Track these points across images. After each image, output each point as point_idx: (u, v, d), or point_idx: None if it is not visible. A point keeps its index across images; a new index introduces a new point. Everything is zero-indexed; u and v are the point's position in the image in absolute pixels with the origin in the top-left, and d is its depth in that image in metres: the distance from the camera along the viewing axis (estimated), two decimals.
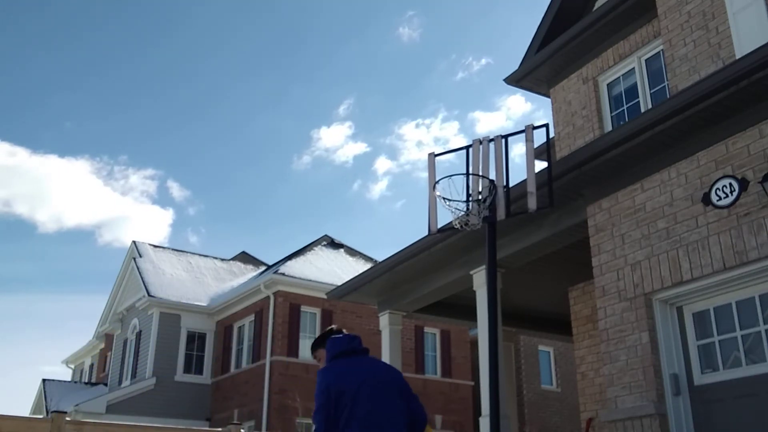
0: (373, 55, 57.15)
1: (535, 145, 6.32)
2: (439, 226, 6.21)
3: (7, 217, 49.40)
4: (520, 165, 58.82)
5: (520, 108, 64.07)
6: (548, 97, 10.68)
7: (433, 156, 6.09)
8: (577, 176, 6.61)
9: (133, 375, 21.40)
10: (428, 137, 57.70)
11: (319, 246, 23.00)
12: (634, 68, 9.36)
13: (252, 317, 20.36)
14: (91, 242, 55.63)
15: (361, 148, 56.62)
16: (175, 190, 51.57)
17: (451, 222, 6.04)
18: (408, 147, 57.87)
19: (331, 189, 61.01)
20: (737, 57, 6.70)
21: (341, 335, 3.88)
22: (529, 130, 5.96)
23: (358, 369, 3.65)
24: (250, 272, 25.38)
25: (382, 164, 58.56)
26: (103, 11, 45.54)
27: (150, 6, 47.61)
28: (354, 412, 3.45)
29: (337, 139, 51.67)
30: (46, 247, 54.37)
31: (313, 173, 55.03)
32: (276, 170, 58.99)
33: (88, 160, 49.57)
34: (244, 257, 28.69)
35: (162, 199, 52.73)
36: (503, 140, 5.96)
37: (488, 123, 59.43)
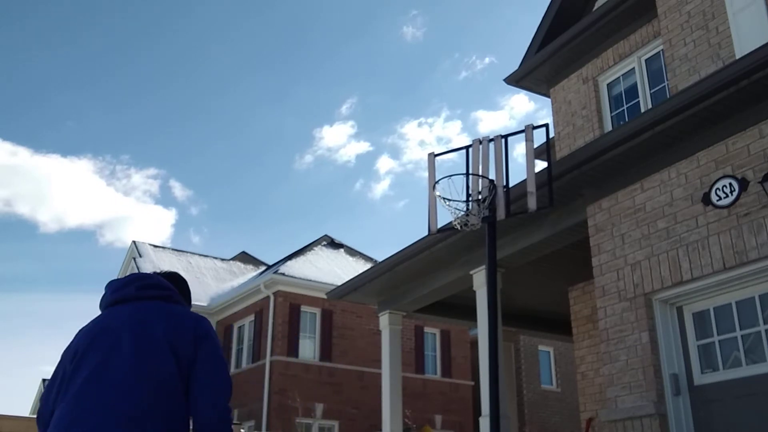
0: (376, 54, 57.16)
1: (535, 145, 6.32)
2: (439, 226, 6.21)
3: (8, 217, 49.40)
4: (520, 165, 58.82)
5: (524, 107, 64.07)
6: (548, 97, 10.68)
7: (432, 156, 6.09)
8: (577, 176, 6.61)
9: None
10: (431, 136, 57.69)
11: (319, 246, 23.02)
12: (634, 68, 9.36)
13: (252, 317, 20.36)
14: (93, 242, 55.61)
15: (363, 147, 56.61)
16: (177, 189, 51.55)
17: (451, 222, 6.04)
18: (410, 146, 57.86)
19: (333, 189, 61.01)
20: (737, 57, 6.70)
21: (124, 276, 2.61)
22: (528, 130, 5.96)
23: (108, 321, 2.42)
24: (250, 272, 25.38)
25: (385, 163, 58.53)
26: (104, 10, 45.55)
27: (152, 4, 47.62)
28: (74, 377, 2.30)
29: (339, 139, 51.64)
30: (47, 247, 54.37)
31: (315, 173, 55.01)
32: (278, 170, 58.98)
33: (90, 160, 49.51)
34: (244, 257, 28.70)
35: (164, 198, 52.73)
36: (503, 140, 5.95)
37: (491, 122, 59.42)
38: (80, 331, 2.48)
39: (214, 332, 2.51)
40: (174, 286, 2.67)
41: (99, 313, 2.56)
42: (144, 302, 2.49)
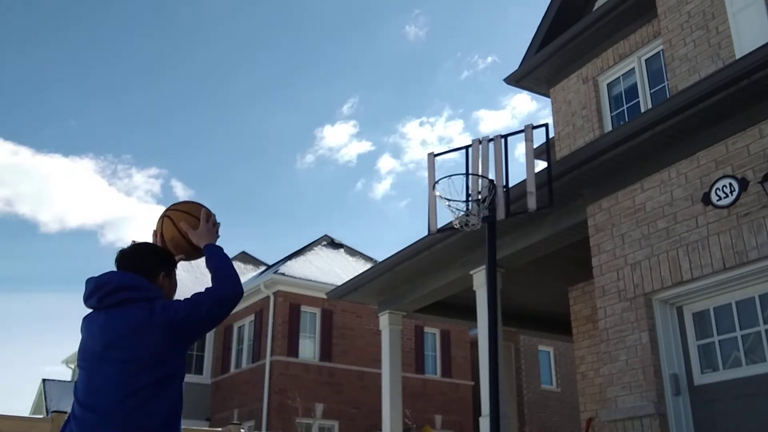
0: (378, 53, 57.04)
1: (535, 145, 6.33)
2: (439, 226, 6.21)
3: (9, 217, 49.35)
4: (520, 165, 58.78)
5: (526, 107, 63.96)
6: (548, 97, 10.68)
7: (432, 156, 6.10)
8: (577, 176, 6.61)
9: None
10: (432, 136, 57.60)
11: (319, 246, 23.02)
12: (634, 68, 9.36)
13: (252, 317, 20.36)
14: (94, 242, 55.54)
15: (365, 146, 56.53)
16: (179, 189, 51.44)
17: (451, 222, 6.04)
18: (412, 146, 57.73)
19: (335, 188, 60.95)
20: (737, 57, 6.70)
21: (92, 279, 2.63)
22: (528, 130, 5.96)
23: (87, 339, 2.56)
24: (250, 272, 25.38)
25: (386, 163, 58.40)
26: (106, 9, 45.53)
27: (153, 4, 47.59)
28: (74, 393, 2.53)
29: (340, 138, 51.53)
30: (48, 247, 54.33)
31: (317, 172, 54.90)
32: (279, 169, 58.90)
33: (92, 159, 49.41)
34: (244, 257, 28.68)
35: (166, 198, 52.68)
36: (503, 140, 5.96)
37: (493, 122, 59.33)
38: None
39: (173, 307, 2.51)
40: (138, 263, 2.66)
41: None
42: (110, 312, 2.53)
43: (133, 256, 2.69)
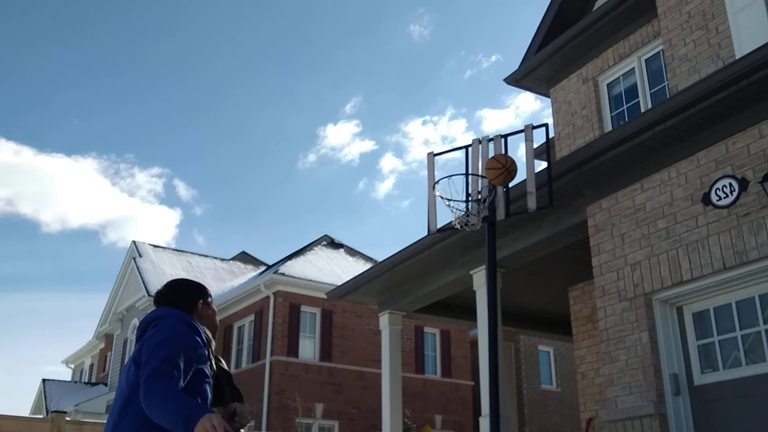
0: (382, 53, 57.09)
1: (536, 145, 6.33)
2: (439, 226, 6.21)
3: (10, 217, 49.36)
4: (520, 164, 58.54)
5: (529, 106, 64.04)
6: (548, 97, 10.68)
7: (432, 155, 6.09)
8: (577, 176, 6.61)
9: None
10: (435, 135, 57.64)
11: (319, 246, 23.01)
12: (634, 68, 9.36)
13: (252, 317, 20.36)
14: (96, 242, 55.55)
15: (367, 146, 56.57)
16: (182, 189, 51.50)
17: (451, 222, 6.04)
18: (414, 145, 57.77)
19: (337, 188, 60.99)
20: (737, 57, 6.70)
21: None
22: (528, 130, 5.96)
23: None
24: (250, 272, 25.37)
25: (389, 162, 58.43)
26: (108, 9, 45.53)
27: (157, 3, 47.59)
28: None
29: (343, 138, 51.57)
30: (50, 246, 54.33)
31: (319, 172, 54.94)
32: (281, 169, 58.95)
33: (95, 159, 49.48)
34: (244, 257, 28.69)
35: (169, 198, 52.68)
36: (503, 140, 5.95)
37: (496, 121, 59.37)
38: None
39: (164, 317, 2.78)
40: (173, 300, 2.93)
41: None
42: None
43: (168, 295, 2.96)
